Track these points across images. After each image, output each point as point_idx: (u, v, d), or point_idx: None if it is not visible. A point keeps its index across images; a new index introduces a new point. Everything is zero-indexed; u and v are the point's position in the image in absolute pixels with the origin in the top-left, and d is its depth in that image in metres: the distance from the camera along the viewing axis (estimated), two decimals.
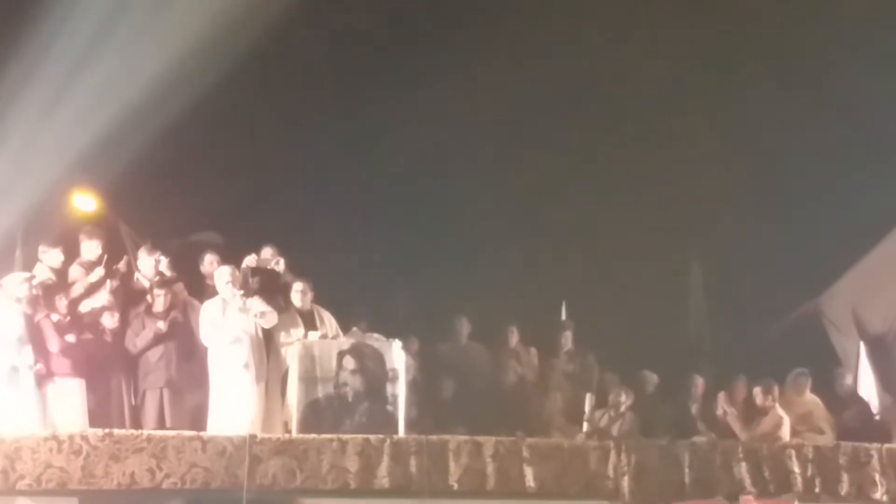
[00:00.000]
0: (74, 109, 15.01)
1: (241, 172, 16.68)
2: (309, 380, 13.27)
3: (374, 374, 13.33)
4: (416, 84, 17.08)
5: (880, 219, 16.46)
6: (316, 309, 13.94)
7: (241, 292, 13.49)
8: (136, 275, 13.93)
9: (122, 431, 12.68)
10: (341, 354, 13.37)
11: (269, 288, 14.03)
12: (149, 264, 13.91)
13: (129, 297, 13.76)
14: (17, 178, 14.28)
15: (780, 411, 14.20)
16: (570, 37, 17.59)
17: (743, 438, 13.97)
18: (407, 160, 17.31)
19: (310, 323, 13.76)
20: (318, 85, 17.46)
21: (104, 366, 13.30)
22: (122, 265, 13.83)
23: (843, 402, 14.96)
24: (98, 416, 13.07)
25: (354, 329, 13.92)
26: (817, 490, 13.51)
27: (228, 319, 13.38)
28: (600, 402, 14.48)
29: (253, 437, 12.71)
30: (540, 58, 17.81)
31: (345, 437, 12.84)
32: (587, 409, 14.37)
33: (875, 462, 13.69)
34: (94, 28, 15.19)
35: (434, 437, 13.02)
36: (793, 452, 13.60)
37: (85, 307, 13.43)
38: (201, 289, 13.97)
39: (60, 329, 13.10)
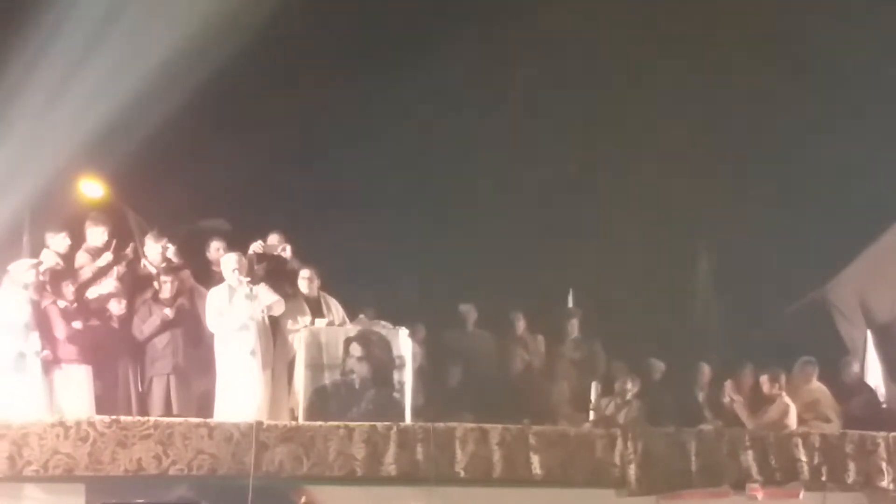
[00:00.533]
0: (81, 96, 14.99)
1: (247, 159, 16.66)
2: (316, 367, 13.27)
3: (381, 361, 13.33)
4: (424, 70, 17.05)
5: (888, 207, 16.43)
6: (323, 296, 13.93)
7: (248, 279, 13.48)
8: (143, 261, 13.91)
9: (129, 418, 12.69)
10: (348, 341, 13.38)
11: (276, 275, 14.02)
12: (155, 251, 13.90)
13: (136, 284, 13.76)
14: (24, 164, 14.27)
15: (787, 399, 14.18)
16: (578, 23, 17.56)
17: (749, 426, 13.96)
18: (415, 147, 17.30)
19: (316, 310, 13.75)
20: (324, 71, 17.44)
21: (111, 352, 13.29)
22: (128, 251, 13.82)
23: (849, 391, 14.94)
24: (105, 402, 13.07)
25: (361, 316, 13.90)
26: (824, 478, 13.51)
27: (235, 306, 13.37)
28: (607, 390, 14.51)
29: (259, 424, 12.71)
30: (549, 45, 17.79)
31: (351, 424, 12.84)
32: (594, 396, 14.42)
33: (882, 450, 13.69)
34: (100, 14, 15.17)
35: (441, 425, 13.02)
36: (799, 441, 13.59)
37: (92, 294, 13.43)
38: (208, 275, 13.96)
39: (67, 315, 13.09)
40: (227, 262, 13.59)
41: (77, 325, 13.07)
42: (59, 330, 13.01)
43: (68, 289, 13.23)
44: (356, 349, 13.33)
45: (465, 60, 17.42)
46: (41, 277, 13.16)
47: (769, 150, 18.05)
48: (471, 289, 15.56)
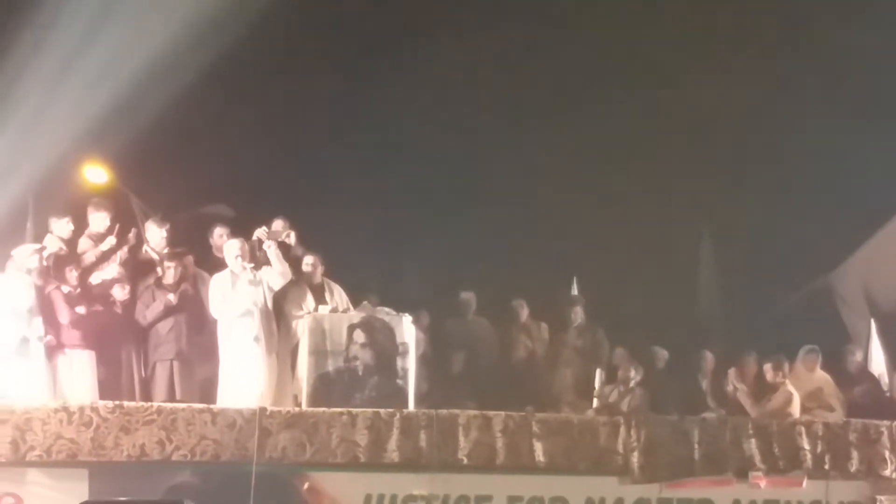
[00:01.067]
0: (84, 80, 14.96)
1: (252, 144, 16.65)
2: (319, 353, 13.26)
3: (385, 348, 13.32)
4: (427, 55, 17.01)
5: (893, 195, 16.39)
6: (326, 282, 13.91)
7: (252, 265, 13.46)
8: (145, 247, 13.90)
9: (133, 403, 12.71)
10: (352, 328, 13.35)
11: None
12: (158, 236, 13.88)
13: (139, 270, 13.75)
14: (27, 149, 14.26)
15: (791, 388, 14.15)
16: (583, 7, 17.54)
17: (753, 415, 13.93)
18: (418, 133, 17.27)
19: (320, 296, 13.73)
20: (328, 56, 17.41)
21: (114, 338, 13.29)
22: (131, 237, 13.81)
23: (853, 379, 14.91)
24: (108, 387, 13.07)
25: (365, 303, 13.87)
26: (827, 467, 13.50)
27: (238, 292, 13.36)
28: (610, 378, 14.48)
29: (263, 410, 12.72)
30: (554, 26, 17.75)
31: (355, 410, 12.85)
32: (597, 384, 14.38)
33: (885, 439, 13.67)
34: None
35: (444, 412, 13.02)
36: (803, 429, 13.58)
37: (95, 279, 13.43)
38: (211, 261, 13.94)
39: (71, 301, 13.09)
40: (229, 249, 13.56)
41: (80, 310, 13.07)
42: (63, 315, 13.01)
43: (72, 274, 13.23)
44: (360, 336, 13.31)
45: (469, 45, 17.39)
46: (44, 262, 13.16)
47: (774, 136, 18.01)
48: (475, 276, 15.55)
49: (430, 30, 17.25)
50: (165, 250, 13.75)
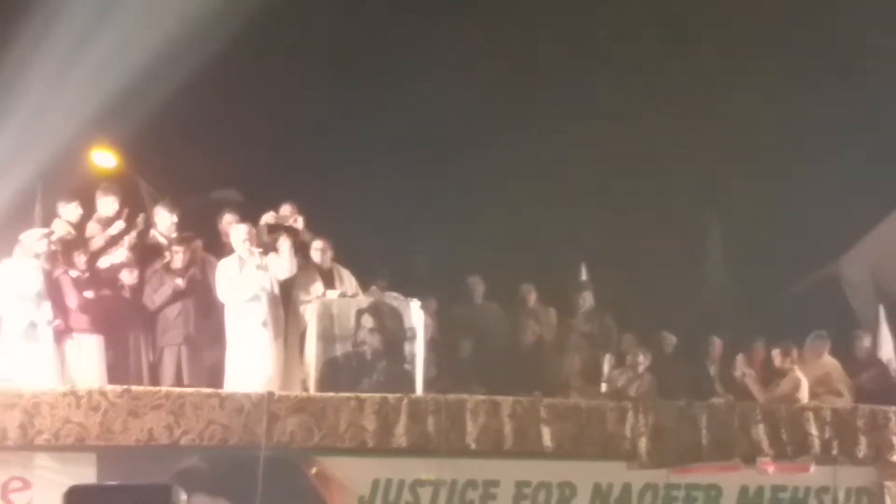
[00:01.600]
0: (93, 65, 14.96)
1: (260, 129, 16.65)
2: (327, 338, 13.26)
3: (393, 332, 13.31)
4: (437, 41, 16.99)
5: None
6: (335, 267, 13.90)
7: (260, 250, 13.45)
8: (154, 231, 13.90)
9: (141, 388, 12.71)
10: (360, 313, 13.35)
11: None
12: (167, 221, 13.87)
13: (148, 254, 13.74)
14: (36, 133, 14.26)
15: (799, 373, 14.13)
16: None
17: (761, 400, 13.92)
18: (428, 119, 17.25)
19: (329, 281, 13.72)
20: (338, 41, 17.39)
21: (122, 322, 13.29)
22: (139, 221, 13.81)
23: (861, 365, 14.88)
24: (116, 372, 13.07)
25: (373, 288, 13.87)
26: (835, 452, 13.48)
27: (246, 277, 13.34)
28: (618, 363, 14.48)
29: (271, 394, 12.72)
30: (561, 14, 17.72)
31: (363, 395, 12.84)
32: (605, 369, 14.39)
33: (893, 424, 13.63)
34: None
35: (452, 397, 13.02)
36: (811, 415, 13.56)
37: (103, 263, 13.43)
38: (220, 246, 13.94)
39: (79, 285, 13.09)
40: (236, 233, 13.56)
41: (89, 294, 13.07)
42: (71, 299, 13.01)
43: (80, 258, 13.22)
44: (368, 321, 13.30)
45: (478, 29, 17.37)
46: (53, 247, 13.15)
47: (782, 121, 17.98)
48: (484, 261, 15.55)
49: (444, 15, 17.24)
50: (174, 235, 13.75)
